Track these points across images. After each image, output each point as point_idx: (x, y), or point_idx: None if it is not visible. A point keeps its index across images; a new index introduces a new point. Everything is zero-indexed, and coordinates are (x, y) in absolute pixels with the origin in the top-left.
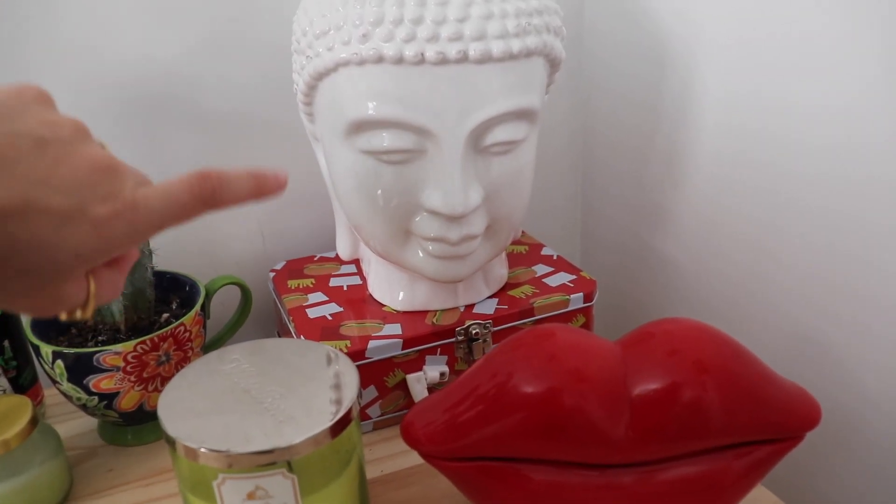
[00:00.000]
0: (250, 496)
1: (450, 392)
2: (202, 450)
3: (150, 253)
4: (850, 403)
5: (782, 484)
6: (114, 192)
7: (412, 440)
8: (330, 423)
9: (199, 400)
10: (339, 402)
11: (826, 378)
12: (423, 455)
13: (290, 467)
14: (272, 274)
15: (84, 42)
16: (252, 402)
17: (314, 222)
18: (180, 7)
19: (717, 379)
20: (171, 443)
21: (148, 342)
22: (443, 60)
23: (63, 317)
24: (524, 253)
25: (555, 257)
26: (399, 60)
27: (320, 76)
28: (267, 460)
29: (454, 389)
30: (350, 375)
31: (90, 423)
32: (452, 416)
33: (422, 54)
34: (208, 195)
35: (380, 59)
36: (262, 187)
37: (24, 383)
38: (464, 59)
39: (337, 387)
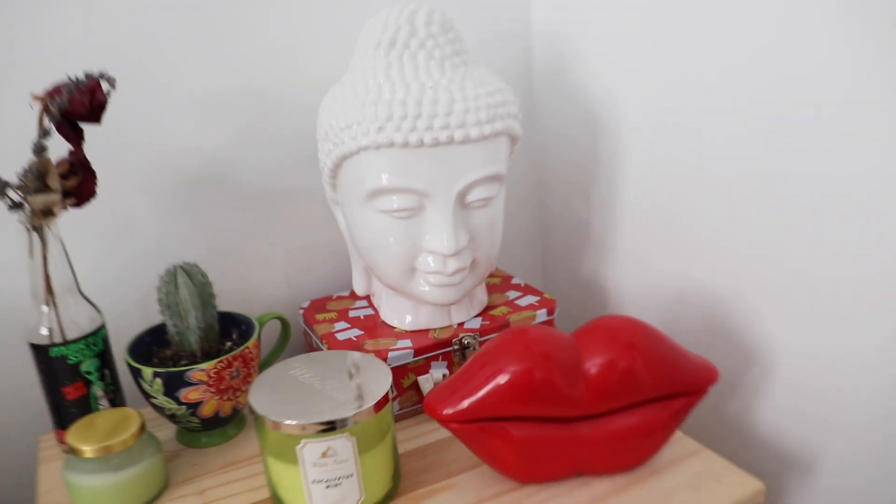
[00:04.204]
0: (324, 455)
1: (457, 376)
2: (287, 422)
3: (214, 296)
4: (743, 369)
5: (692, 430)
6: None
7: (431, 410)
8: (374, 402)
9: (279, 393)
10: (378, 389)
11: (727, 349)
12: (440, 420)
13: (349, 433)
14: (301, 311)
15: (144, 136)
16: (317, 393)
17: (329, 269)
18: (222, 104)
19: (643, 353)
20: (261, 420)
21: (224, 361)
22: (436, 143)
23: None
24: (498, 283)
25: (522, 284)
26: (405, 145)
27: (345, 158)
28: (335, 427)
29: (459, 374)
30: (384, 373)
31: (169, 433)
32: (459, 390)
33: (421, 140)
34: None
35: (391, 145)
36: None
37: (117, 404)
38: (451, 141)
39: (375, 380)
